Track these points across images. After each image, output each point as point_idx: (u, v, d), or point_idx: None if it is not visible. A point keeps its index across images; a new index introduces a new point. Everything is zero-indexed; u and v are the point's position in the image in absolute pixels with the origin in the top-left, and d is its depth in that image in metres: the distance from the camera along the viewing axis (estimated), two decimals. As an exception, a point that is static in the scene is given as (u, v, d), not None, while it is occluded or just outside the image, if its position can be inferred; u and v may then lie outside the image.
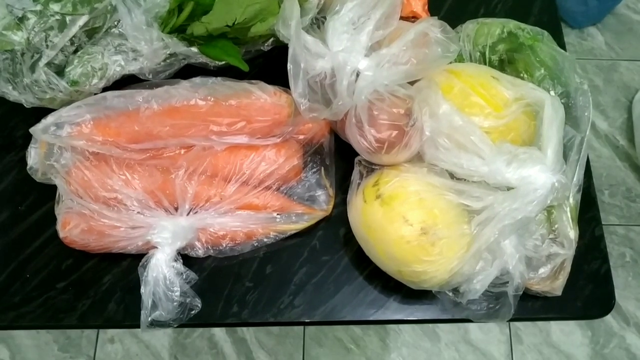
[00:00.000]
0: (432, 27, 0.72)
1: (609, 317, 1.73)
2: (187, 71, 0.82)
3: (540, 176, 0.65)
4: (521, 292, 0.71)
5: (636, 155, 1.90)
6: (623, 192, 1.87)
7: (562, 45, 0.93)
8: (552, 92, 0.78)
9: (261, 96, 0.75)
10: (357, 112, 0.71)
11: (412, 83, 0.74)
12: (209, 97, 0.73)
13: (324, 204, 0.80)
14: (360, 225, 0.73)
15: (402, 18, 0.90)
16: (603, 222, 1.83)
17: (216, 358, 1.64)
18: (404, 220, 0.68)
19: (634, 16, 2.14)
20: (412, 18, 0.91)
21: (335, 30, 0.72)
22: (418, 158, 0.73)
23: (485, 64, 0.83)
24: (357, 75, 0.70)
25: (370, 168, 0.76)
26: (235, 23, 0.78)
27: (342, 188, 0.82)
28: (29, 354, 1.63)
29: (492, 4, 0.99)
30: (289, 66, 0.67)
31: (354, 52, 0.70)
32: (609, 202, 1.86)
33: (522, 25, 0.84)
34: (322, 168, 0.81)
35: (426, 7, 0.92)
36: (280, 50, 0.75)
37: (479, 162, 0.67)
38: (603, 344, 1.69)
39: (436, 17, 0.74)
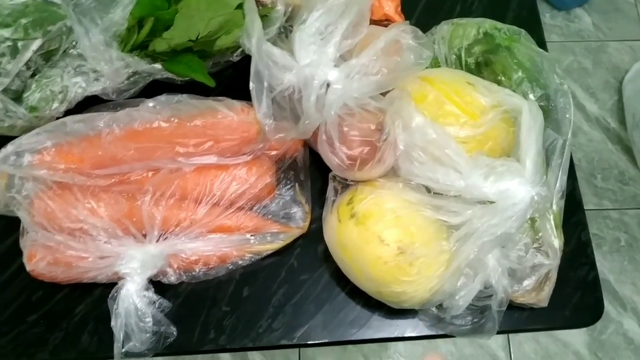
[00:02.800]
0: (404, 33, 0.69)
1: (606, 303, 1.72)
2: (154, 87, 0.79)
3: (519, 189, 0.62)
4: (505, 307, 0.69)
5: (628, 137, 1.87)
6: (616, 176, 1.85)
7: (542, 42, 0.89)
8: (531, 95, 0.75)
9: (228, 114, 0.72)
10: (327, 129, 0.68)
11: (384, 93, 0.71)
12: (172, 119, 0.70)
13: (300, 221, 0.77)
14: (336, 245, 0.70)
15: (374, 21, 0.87)
16: (597, 207, 1.79)
17: (210, 359, 1.62)
18: (380, 240, 0.65)
19: (621, -5, 2.10)
20: (384, 21, 0.87)
21: (302, 41, 0.69)
22: (394, 172, 0.70)
23: (461, 67, 0.79)
24: (328, 86, 0.67)
25: (345, 183, 0.73)
26: (199, 37, 0.75)
27: (320, 202, 0.79)
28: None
29: (469, 1, 0.95)
30: (251, 85, 0.64)
31: (321, 65, 0.67)
32: (601, 186, 1.83)
33: (499, 25, 0.81)
34: (297, 184, 0.78)
35: (399, 9, 0.88)
36: (251, 60, 0.72)
37: (456, 176, 0.64)
38: (600, 330, 1.68)
39: (408, 22, 0.71)
